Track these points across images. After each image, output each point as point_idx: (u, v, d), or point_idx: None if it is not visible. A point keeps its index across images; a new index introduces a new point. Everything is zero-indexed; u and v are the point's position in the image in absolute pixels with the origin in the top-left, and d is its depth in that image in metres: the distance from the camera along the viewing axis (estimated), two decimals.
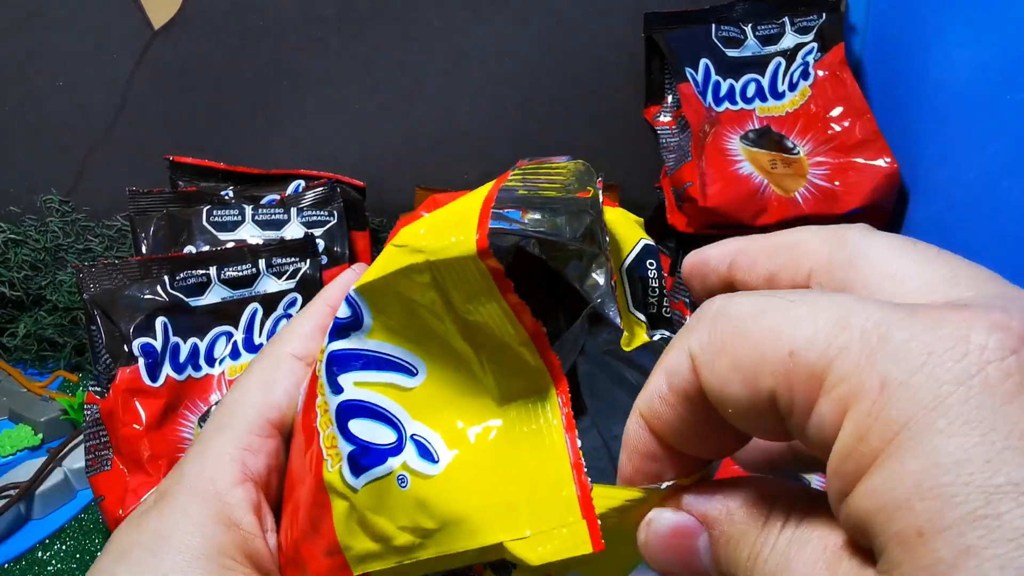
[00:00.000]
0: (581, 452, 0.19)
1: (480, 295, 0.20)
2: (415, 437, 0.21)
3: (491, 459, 0.20)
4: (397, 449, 0.21)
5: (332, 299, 0.31)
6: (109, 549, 0.25)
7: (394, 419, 0.21)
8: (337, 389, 0.22)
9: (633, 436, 0.17)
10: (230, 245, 0.57)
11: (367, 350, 0.22)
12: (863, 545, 0.14)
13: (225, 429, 0.28)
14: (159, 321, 0.50)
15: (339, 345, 0.22)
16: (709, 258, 0.21)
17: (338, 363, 0.22)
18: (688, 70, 0.64)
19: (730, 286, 0.20)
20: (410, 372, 0.22)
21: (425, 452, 0.21)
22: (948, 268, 0.16)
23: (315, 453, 0.24)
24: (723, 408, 0.15)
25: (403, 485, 0.21)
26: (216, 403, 0.51)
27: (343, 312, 0.22)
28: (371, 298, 0.22)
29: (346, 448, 0.22)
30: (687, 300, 0.61)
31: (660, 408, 0.17)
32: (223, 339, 0.52)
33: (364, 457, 0.21)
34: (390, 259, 0.21)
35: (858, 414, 0.13)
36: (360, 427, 0.22)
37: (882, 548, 0.13)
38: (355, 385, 0.22)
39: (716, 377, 0.15)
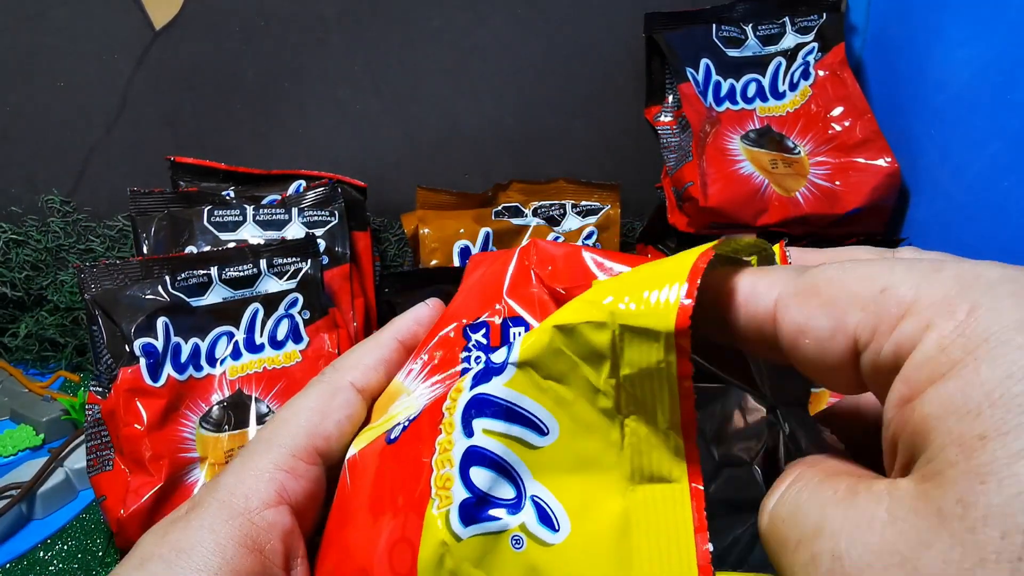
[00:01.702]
0: (711, 555, 0.18)
1: (655, 371, 0.18)
2: (535, 499, 0.20)
3: (615, 542, 0.19)
4: (515, 507, 0.21)
5: (401, 332, 0.30)
6: (132, 555, 0.25)
7: (516, 475, 0.21)
8: (469, 432, 0.21)
9: None
10: (231, 245, 0.57)
11: (502, 398, 0.21)
12: (900, 452, 0.14)
13: (270, 447, 0.27)
14: (160, 321, 0.50)
15: (482, 389, 0.22)
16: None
17: (477, 407, 0.21)
18: (689, 70, 0.64)
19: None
20: (541, 430, 0.21)
21: (545, 517, 0.20)
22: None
23: (420, 489, 0.23)
24: (799, 340, 0.16)
25: (517, 547, 0.20)
26: (218, 403, 0.51)
27: (498, 357, 0.22)
28: (532, 345, 0.21)
29: (461, 494, 0.21)
30: None
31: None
32: (224, 339, 0.52)
33: (479, 508, 0.21)
34: (576, 311, 0.20)
35: (944, 329, 0.14)
36: (481, 476, 0.21)
37: (938, 450, 0.13)
38: (484, 432, 0.21)
39: (803, 312, 0.16)
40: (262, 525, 0.25)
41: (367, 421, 0.29)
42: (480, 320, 0.27)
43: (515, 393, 0.21)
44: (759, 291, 0.18)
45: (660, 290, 0.18)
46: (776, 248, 0.21)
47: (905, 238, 0.62)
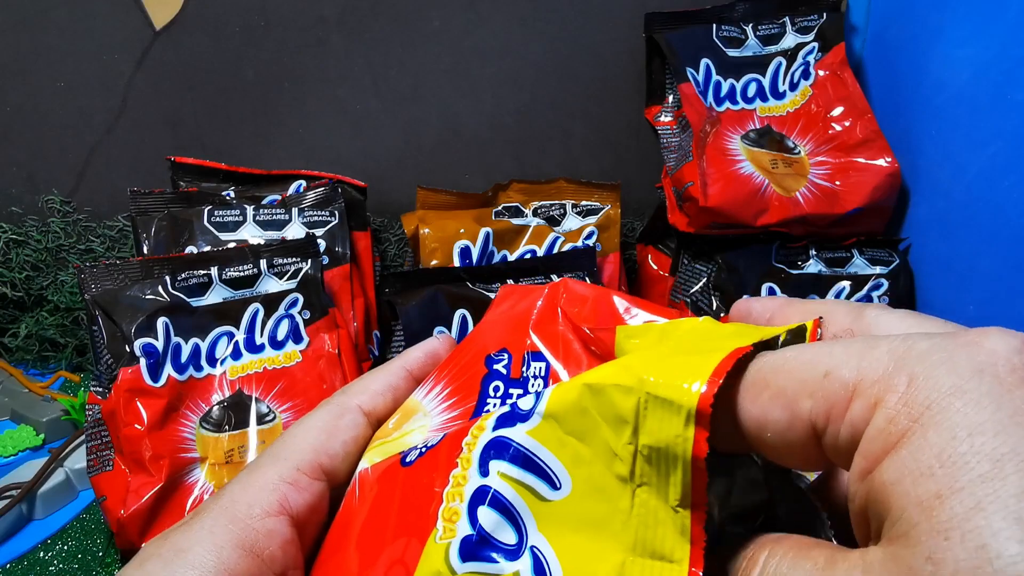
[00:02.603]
0: None
1: (674, 445, 0.19)
2: (535, 550, 0.21)
3: None
4: (514, 554, 0.21)
5: (410, 362, 0.31)
6: (135, 558, 0.25)
7: (521, 523, 0.21)
8: (484, 472, 0.22)
9: None
10: (231, 245, 0.57)
11: (522, 445, 0.22)
12: (870, 521, 0.15)
13: (276, 460, 0.28)
14: (160, 321, 0.50)
15: (504, 432, 0.22)
16: (752, 310, 0.24)
17: (497, 449, 0.22)
18: (689, 70, 0.64)
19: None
20: (554, 484, 0.21)
21: (540, 570, 0.20)
22: (947, 328, 0.18)
23: (426, 517, 0.23)
24: (761, 435, 0.18)
25: None
26: (218, 403, 0.51)
27: (526, 404, 0.22)
28: (560, 399, 0.21)
29: (465, 530, 0.21)
30: (688, 300, 0.61)
31: None
32: (224, 339, 0.52)
33: (480, 547, 0.21)
34: (607, 373, 0.20)
35: (888, 404, 0.15)
36: (487, 517, 0.21)
37: (900, 512, 0.14)
38: (499, 474, 0.21)
39: (757, 407, 0.18)
40: (262, 531, 0.25)
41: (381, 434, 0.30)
42: (502, 350, 0.27)
43: (536, 443, 0.21)
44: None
45: (693, 369, 0.19)
46: (809, 324, 0.22)
47: (906, 238, 0.62)
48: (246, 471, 0.28)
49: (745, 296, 0.25)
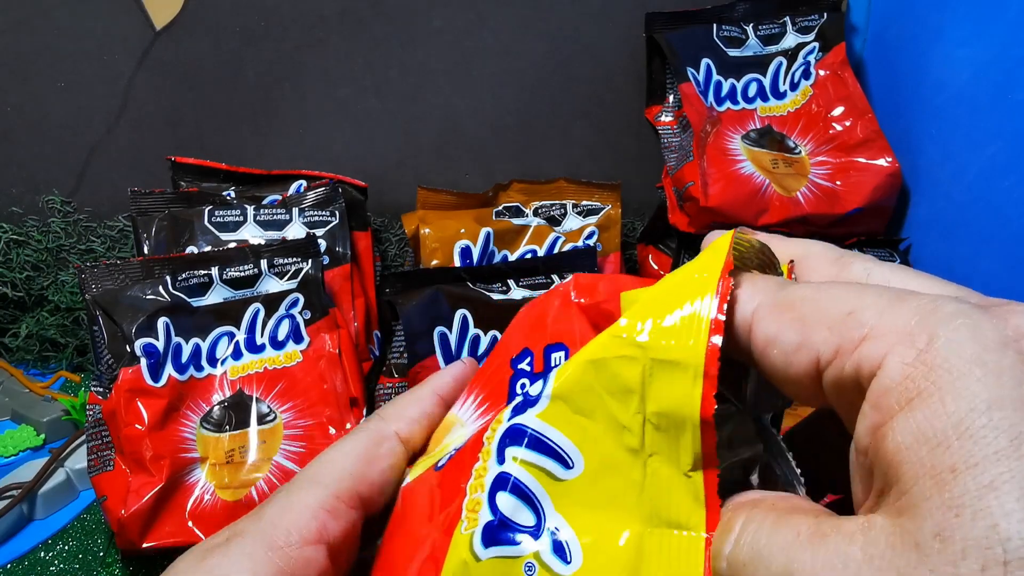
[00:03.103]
0: None
1: (682, 407, 0.19)
2: (553, 530, 0.21)
3: None
4: (534, 535, 0.21)
5: (440, 388, 0.31)
6: (170, 572, 0.25)
7: (538, 504, 0.21)
8: (501, 460, 0.22)
9: None
10: (232, 245, 0.57)
11: (533, 429, 0.22)
12: (873, 480, 0.15)
13: (315, 485, 0.27)
14: (161, 321, 0.50)
15: (517, 420, 0.22)
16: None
17: (511, 436, 0.22)
18: (689, 70, 0.64)
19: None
20: (567, 464, 0.21)
21: (559, 549, 0.21)
22: (949, 289, 0.18)
23: (453, 511, 0.24)
24: (767, 350, 0.17)
25: (529, 573, 0.21)
26: (219, 403, 0.51)
27: (535, 389, 0.22)
28: (564, 379, 0.21)
29: (486, 516, 0.22)
30: None
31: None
32: (225, 339, 0.52)
33: (500, 531, 0.21)
34: (607, 345, 0.20)
35: (905, 356, 0.14)
36: (505, 502, 0.22)
37: (911, 482, 0.14)
38: (513, 460, 0.22)
39: (775, 325, 0.17)
40: (300, 560, 0.25)
41: (423, 452, 0.30)
42: (524, 350, 0.28)
43: (546, 425, 0.22)
44: (742, 299, 0.19)
45: (691, 305, 0.19)
46: (784, 267, 0.21)
47: (906, 238, 0.62)
48: (284, 492, 0.27)
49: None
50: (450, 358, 0.55)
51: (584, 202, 0.65)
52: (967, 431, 0.13)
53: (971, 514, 0.13)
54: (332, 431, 0.51)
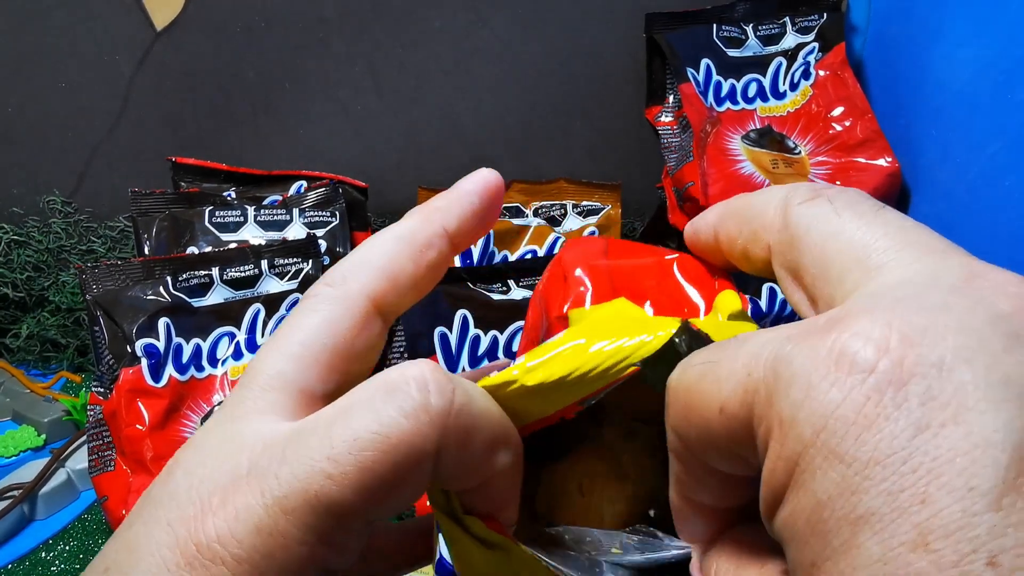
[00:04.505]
0: None
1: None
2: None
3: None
4: None
5: (403, 234, 0.22)
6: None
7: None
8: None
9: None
10: (232, 246, 0.57)
11: None
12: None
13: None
14: (162, 322, 0.50)
15: None
16: (699, 231, 0.23)
17: None
18: (689, 70, 0.64)
19: (722, 254, 0.22)
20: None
21: None
22: (870, 240, 0.17)
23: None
24: (715, 465, 0.17)
25: None
26: (219, 403, 0.51)
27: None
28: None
29: None
30: None
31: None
32: (226, 339, 0.52)
33: None
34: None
35: (771, 454, 0.14)
36: None
37: (793, 568, 0.14)
38: None
39: (693, 445, 0.17)
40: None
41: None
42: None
43: None
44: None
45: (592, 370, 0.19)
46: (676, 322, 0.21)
47: None
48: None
49: (689, 222, 0.24)
50: (450, 358, 0.55)
51: (584, 202, 0.65)
52: (817, 526, 0.13)
53: None
54: None
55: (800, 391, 0.14)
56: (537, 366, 0.19)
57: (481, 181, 0.24)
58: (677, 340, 0.19)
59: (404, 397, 0.16)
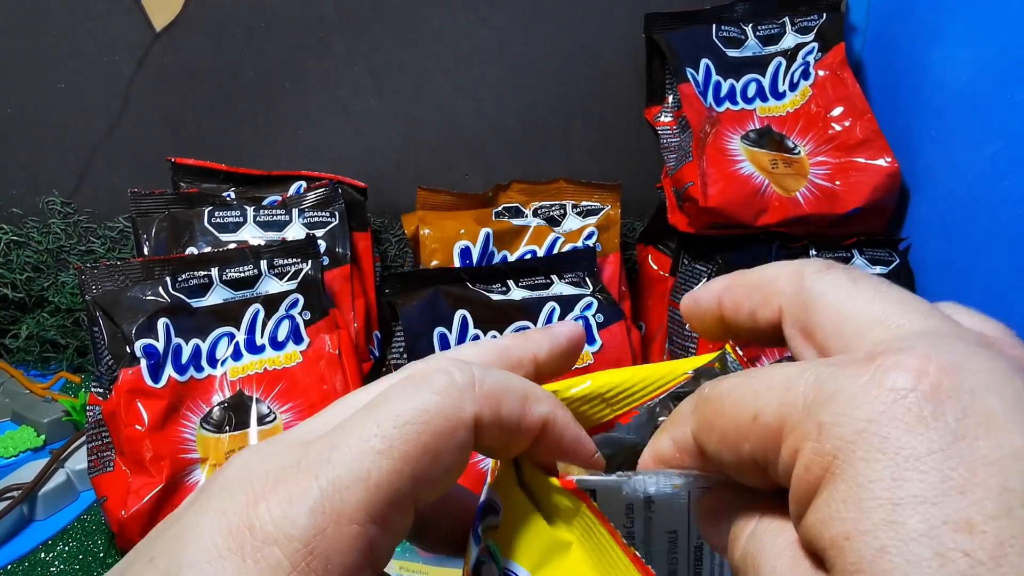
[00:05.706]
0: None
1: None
2: (507, 571, 0.22)
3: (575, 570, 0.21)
4: None
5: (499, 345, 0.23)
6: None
7: (496, 556, 0.22)
8: (476, 540, 0.22)
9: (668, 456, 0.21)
10: (232, 246, 0.57)
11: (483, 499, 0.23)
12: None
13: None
14: (161, 322, 0.50)
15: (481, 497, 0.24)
16: (700, 300, 0.23)
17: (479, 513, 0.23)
18: (689, 70, 0.64)
19: (722, 321, 0.22)
20: (495, 511, 0.22)
21: None
22: (888, 305, 0.18)
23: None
24: (724, 467, 0.19)
25: None
26: (219, 404, 0.51)
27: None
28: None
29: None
30: None
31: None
32: (225, 340, 0.52)
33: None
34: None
35: (805, 453, 0.16)
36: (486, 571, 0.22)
37: (823, 554, 0.15)
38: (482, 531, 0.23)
39: (711, 447, 0.19)
40: None
41: None
42: None
43: (489, 489, 0.23)
44: (683, 436, 0.20)
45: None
46: (727, 347, 0.22)
47: (906, 238, 0.62)
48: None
49: (687, 293, 0.24)
50: None
51: (584, 202, 0.65)
52: (855, 505, 0.15)
53: None
54: None
55: (843, 402, 0.15)
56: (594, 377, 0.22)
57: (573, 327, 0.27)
58: (729, 357, 0.21)
59: (431, 381, 0.19)
